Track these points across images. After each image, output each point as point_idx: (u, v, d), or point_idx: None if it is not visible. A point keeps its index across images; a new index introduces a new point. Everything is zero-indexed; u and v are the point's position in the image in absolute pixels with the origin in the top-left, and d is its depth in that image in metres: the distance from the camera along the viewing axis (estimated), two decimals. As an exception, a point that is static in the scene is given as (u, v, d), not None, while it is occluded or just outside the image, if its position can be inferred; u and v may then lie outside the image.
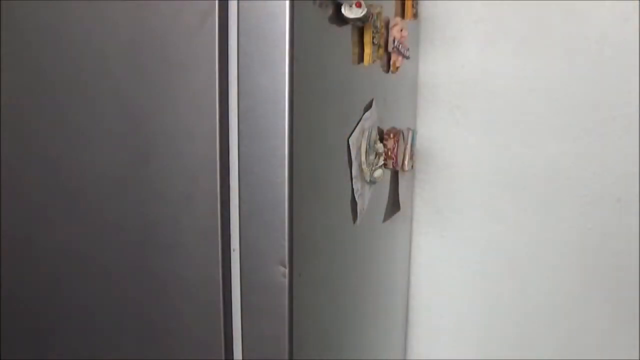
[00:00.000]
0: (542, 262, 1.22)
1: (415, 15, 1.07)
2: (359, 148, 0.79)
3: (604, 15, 1.09)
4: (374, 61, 0.79)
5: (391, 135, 0.89)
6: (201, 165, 0.64)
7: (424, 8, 1.16)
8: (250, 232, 0.65)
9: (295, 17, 0.59)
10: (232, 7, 0.61)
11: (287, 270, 0.64)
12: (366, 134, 0.81)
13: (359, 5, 0.69)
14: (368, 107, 0.83)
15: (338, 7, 0.69)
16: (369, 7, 0.70)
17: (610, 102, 1.12)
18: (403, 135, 0.94)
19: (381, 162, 0.86)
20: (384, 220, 0.99)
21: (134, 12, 0.63)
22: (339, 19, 0.70)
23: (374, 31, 0.77)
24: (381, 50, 0.82)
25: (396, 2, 0.94)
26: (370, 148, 0.82)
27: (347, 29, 0.74)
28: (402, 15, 0.98)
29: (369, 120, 0.82)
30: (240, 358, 0.68)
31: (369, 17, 0.72)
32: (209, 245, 0.66)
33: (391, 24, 0.86)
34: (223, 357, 0.68)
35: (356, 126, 0.78)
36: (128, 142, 0.66)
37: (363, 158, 0.80)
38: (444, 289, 1.29)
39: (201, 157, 0.64)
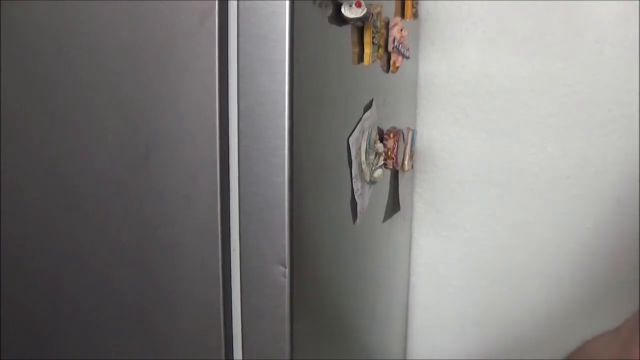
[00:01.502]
0: (542, 262, 1.22)
1: (415, 15, 1.07)
2: (359, 148, 0.79)
3: (604, 15, 1.09)
4: (374, 61, 0.79)
5: (391, 135, 0.89)
6: (201, 165, 0.64)
7: (424, 8, 1.16)
8: (250, 232, 0.65)
9: (295, 17, 0.59)
10: (232, 7, 0.61)
11: (287, 270, 0.64)
12: (366, 133, 0.81)
13: (359, 5, 0.69)
14: (368, 107, 0.83)
15: (338, 7, 0.69)
16: (369, 7, 0.70)
17: (610, 102, 1.12)
18: (403, 135, 0.94)
19: (381, 162, 0.86)
20: (384, 220, 0.99)
21: (134, 12, 0.63)
22: (339, 19, 0.70)
23: (374, 31, 0.77)
24: (381, 50, 0.82)
25: (396, 2, 0.94)
26: (370, 148, 0.82)
27: (347, 29, 0.74)
28: (402, 15, 0.98)
29: (369, 120, 0.82)
30: (240, 358, 0.68)
31: (369, 17, 0.72)
32: (208, 245, 0.65)
33: (391, 24, 0.86)
34: (223, 357, 0.68)
35: (356, 126, 0.78)
36: (128, 142, 0.66)
37: (363, 158, 0.80)
38: (444, 289, 1.29)
39: (201, 157, 0.64)
